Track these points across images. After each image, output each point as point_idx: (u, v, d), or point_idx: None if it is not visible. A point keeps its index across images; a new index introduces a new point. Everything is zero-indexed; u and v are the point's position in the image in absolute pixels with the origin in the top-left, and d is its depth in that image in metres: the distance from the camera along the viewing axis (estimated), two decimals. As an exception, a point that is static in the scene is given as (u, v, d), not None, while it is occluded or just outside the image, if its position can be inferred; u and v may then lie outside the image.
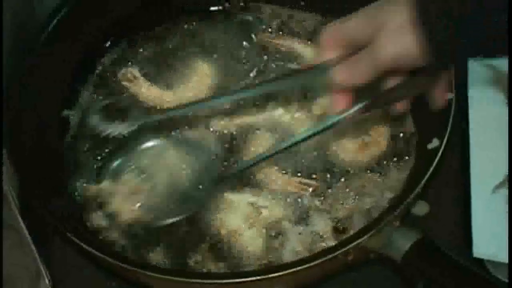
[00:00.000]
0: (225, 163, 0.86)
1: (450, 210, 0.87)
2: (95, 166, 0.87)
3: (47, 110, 0.88)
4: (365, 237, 0.71)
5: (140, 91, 0.93)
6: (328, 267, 0.74)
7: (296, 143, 0.77)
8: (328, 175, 0.84)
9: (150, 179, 0.84)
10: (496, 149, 0.82)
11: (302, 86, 0.89)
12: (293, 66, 0.94)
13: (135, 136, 0.87)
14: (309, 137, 0.76)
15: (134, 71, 0.95)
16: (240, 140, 0.88)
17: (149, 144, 0.86)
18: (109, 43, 0.97)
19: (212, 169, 0.84)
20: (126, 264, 0.72)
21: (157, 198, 0.83)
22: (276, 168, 0.85)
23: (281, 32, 0.98)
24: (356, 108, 0.74)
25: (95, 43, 0.96)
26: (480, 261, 0.77)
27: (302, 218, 0.81)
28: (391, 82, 0.74)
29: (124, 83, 0.94)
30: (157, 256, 0.80)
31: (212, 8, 1.01)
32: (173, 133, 0.88)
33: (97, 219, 0.83)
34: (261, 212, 0.82)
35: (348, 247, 0.71)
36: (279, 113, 0.89)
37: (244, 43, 0.97)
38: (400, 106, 0.77)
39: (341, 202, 0.82)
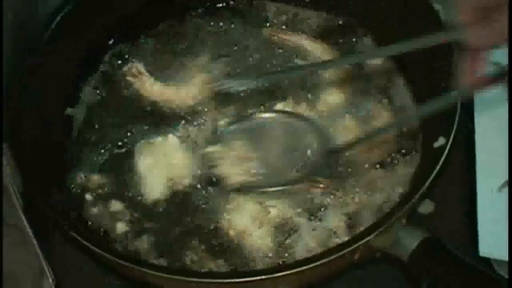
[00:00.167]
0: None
1: (455, 208, 0.87)
2: (98, 160, 0.87)
3: (50, 108, 0.88)
4: (371, 236, 0.70)
5: (144, 86, 0.93)
6: (334, 266, 0.74)
7: None
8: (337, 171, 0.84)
9: (259, 149, 0.84)
10: (501, 147, 0.81)
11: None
12: (300, 62, 0.94)
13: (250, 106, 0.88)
14: None
15: (139, 66, 0.94)
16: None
17: (263, 115, 0.87)
18: (112, 40, 0.97)
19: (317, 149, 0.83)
20: (123, 260, 0.72)
21: (263, 167, 0.83)
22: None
23: (287, 29, 0.98)
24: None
25: (99, 41, 0.95)
26: (486, 260, 0.77)
27: (316, 214, 0.81)
28: None
29: (129, 78, 0.94)
30: (150, 255, 0.80)
31: (217, 5, 1.01)
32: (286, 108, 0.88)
33: (99, 215, 0.83)
34: (269, 211, 0.81)
35: (353, 246, 0.70)
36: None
37: (250, 39, 0.97)
38: None
39: (352, 197, 0.82)
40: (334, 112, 0.89)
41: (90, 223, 0.83)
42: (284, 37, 0.97)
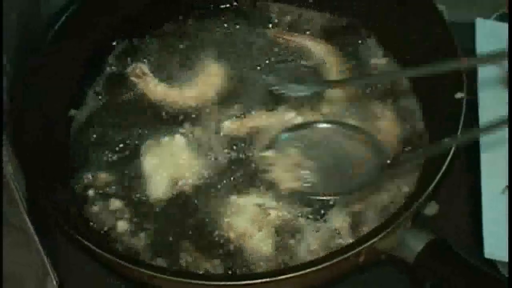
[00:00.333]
0: (233, 167, 0.85)
1: (459, 210, 0.87)
2: (101, 160, 0.87)
3: (53, 108, 0.88)
4: (377, 238, 0.70)
5: (148, 87, 0.93)
6: (338, 269, 0.74)
7: None
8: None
9: (313, 157, 0.83)
10: (506, 149, 0.81)
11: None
12: (305, 62, 0.94)
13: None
14: None
15: (143, 66, 0.94)
16: (250, 143, 0.88)
17: (321, 125, 0.85)
18: (117, 41, 0.97)
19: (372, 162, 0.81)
20: (124, 261, 0.72)
21: (317, 175, 0.81)
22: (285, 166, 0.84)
23: (290, 30, 0.98)
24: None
25: (103, 41, 0.95)
26: (491, 261, 0.77)
27: (318, 215, 0.81)
28: None
29: (132, 78, 0.94)
30: (148, 255, 0.80)
31: (221, 6, 1.01)
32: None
33: (100, 214, 0.83)
34: (269, 214, 0.81)
35: (358, 248, 0.70)
36: (291, 116, 0.88)
37: (254, 40, 0.97)
38: None
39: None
40: (338, 113, 0.89)
41: (91, 222, 0.83)
42: (287, 38, 0.97)
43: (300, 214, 0.81)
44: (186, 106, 0.91)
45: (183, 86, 0.93)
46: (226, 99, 0.92)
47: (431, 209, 0.85)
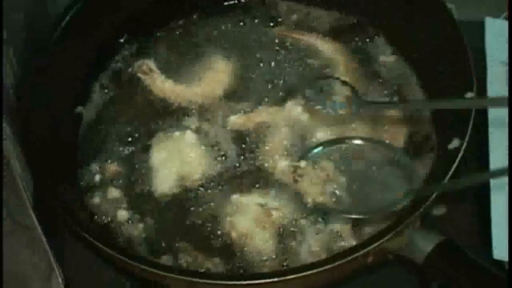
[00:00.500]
0: (238, 165, 0.85)
1: (467, 210, 0.87)
2: (104, 159, 0.87)
3: (60, 107, 0.88)
4: (385, 238, 0.70)
5: (154, 83, 0.93)
6: (346, 269, 0.74)
7: None
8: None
9: (344, 173, 0.82)
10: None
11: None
12: (312, 61, 0.94)
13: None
14: None
15: (150, 63, 0.94)
16: (258, 139, 0.87)
17: (356, 141, 0.84)
18: (122, 39, 0.97)
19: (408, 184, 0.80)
20: (125, 257, 0.72)
21: (345, 192, 0.81)
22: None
23: (298, 28, 0.98)
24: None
25: (108, 40, 0.95)
26: (499, 262, 0.76)
27: (320, 215, 0.81)
28: None
29: (139, 75, 0.94)
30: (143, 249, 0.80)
31: (228, 3, 1.01)
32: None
33: (103, 207, 0.83)
34: (272, 214, 0.81)
35: (367, 249, 0.70)
36: (298, 111, 0.88)
37: (261, 37, 0.97)
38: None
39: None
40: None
41: (95, 216, 0.83)
42: (295, 36, 0.96)
43: (302, 216, 0.81)
44: (193, 102, 0.91)
45: (190, 83, 0.93)
46: (233, 95, 0.91)
47: (439, 209, 0.84)
